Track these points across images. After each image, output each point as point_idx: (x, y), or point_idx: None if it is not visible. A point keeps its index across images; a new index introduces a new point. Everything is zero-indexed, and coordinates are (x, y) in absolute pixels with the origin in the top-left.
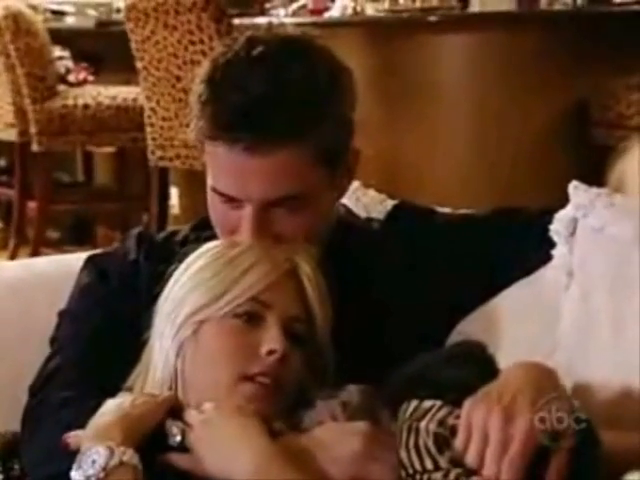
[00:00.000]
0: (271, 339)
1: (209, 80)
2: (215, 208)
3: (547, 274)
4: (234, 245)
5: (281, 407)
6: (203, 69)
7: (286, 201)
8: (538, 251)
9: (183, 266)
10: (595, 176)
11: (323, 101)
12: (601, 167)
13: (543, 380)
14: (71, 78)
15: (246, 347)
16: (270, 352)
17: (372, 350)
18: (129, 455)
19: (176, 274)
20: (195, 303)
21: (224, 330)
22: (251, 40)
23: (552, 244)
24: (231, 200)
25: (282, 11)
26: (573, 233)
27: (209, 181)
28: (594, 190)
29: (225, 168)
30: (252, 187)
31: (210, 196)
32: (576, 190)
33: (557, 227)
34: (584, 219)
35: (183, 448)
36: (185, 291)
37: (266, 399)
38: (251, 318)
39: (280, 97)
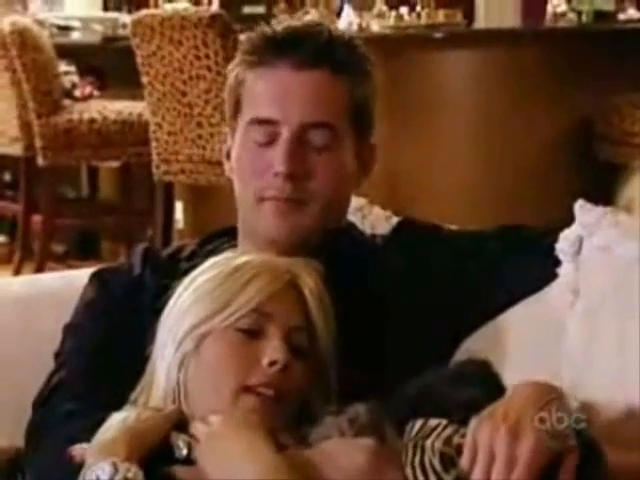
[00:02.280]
0: (273, 350)
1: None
2: (247, 154)
3: (553, 292)
4: (236, 258)
5: (285, 419)
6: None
7: (318, 132)
8: (544, 269)
9: (186, 280)
10: (598, 191)
11: (362, 56)
12: (604, 183)
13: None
14: (77, 93)
15: (248, 358)
16: (272, 363)
17: (375, 362)
18: (133, 471)
19: (179, 288)
20: (197, 316)
21: (225, 342)
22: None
23: (558, 262)
24: (265, 140)
25: None
26: (579, 251)
27: (247, 117)
28: (600, 209)
29: (268, 91)
30: (293, 107)
31: (242, 142)
32: (582, 209)
33: (563, 245)
34: (590, 238)
35: (189, 461)
36: (187, 304)
37: (268, 411)
38: (253, 331)
39: (324, 35)
